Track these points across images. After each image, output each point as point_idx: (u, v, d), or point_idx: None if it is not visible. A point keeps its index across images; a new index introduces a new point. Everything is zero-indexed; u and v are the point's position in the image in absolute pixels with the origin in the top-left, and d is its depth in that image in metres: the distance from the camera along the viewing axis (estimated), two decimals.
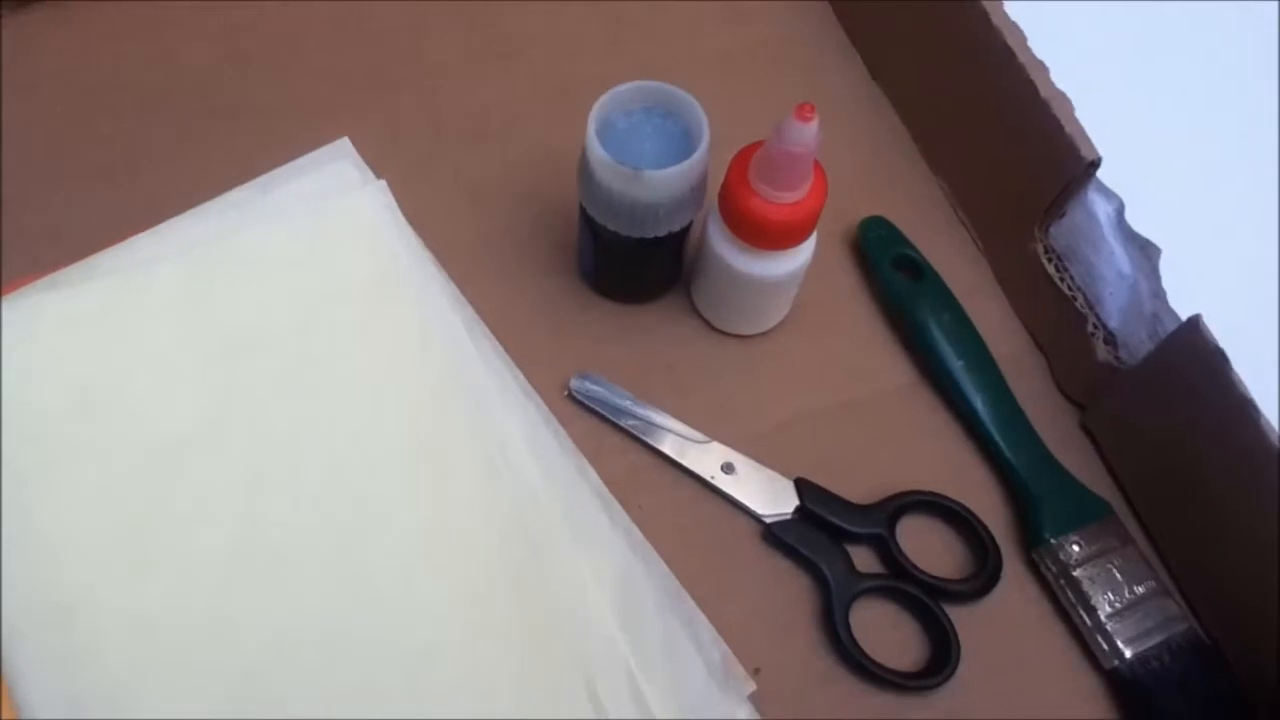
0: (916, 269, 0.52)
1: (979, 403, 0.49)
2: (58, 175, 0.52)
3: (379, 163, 0.52)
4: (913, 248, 0.52)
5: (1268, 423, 0.42)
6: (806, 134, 0.41)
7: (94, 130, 0.54)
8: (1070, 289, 0.50)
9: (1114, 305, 0.49)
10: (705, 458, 0.48)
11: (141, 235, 0.49)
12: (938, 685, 0.44)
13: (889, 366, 0.51)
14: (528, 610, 0.42)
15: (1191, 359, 0.44)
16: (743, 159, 0.45)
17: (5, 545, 0.41)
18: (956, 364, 0.50)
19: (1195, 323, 0.44)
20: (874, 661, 0.44)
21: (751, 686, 0.42)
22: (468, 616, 0.42)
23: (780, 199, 0.44)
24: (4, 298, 0.46)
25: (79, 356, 0.45)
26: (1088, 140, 0.47)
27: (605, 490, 0.45)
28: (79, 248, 0.49)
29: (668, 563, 0.45)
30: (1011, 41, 0.49)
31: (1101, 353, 0.49)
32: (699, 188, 0.45)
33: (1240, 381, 0.43)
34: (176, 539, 0.42)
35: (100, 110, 0.54)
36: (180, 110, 0.54)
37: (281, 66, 0.56)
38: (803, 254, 0.47)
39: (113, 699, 0.39)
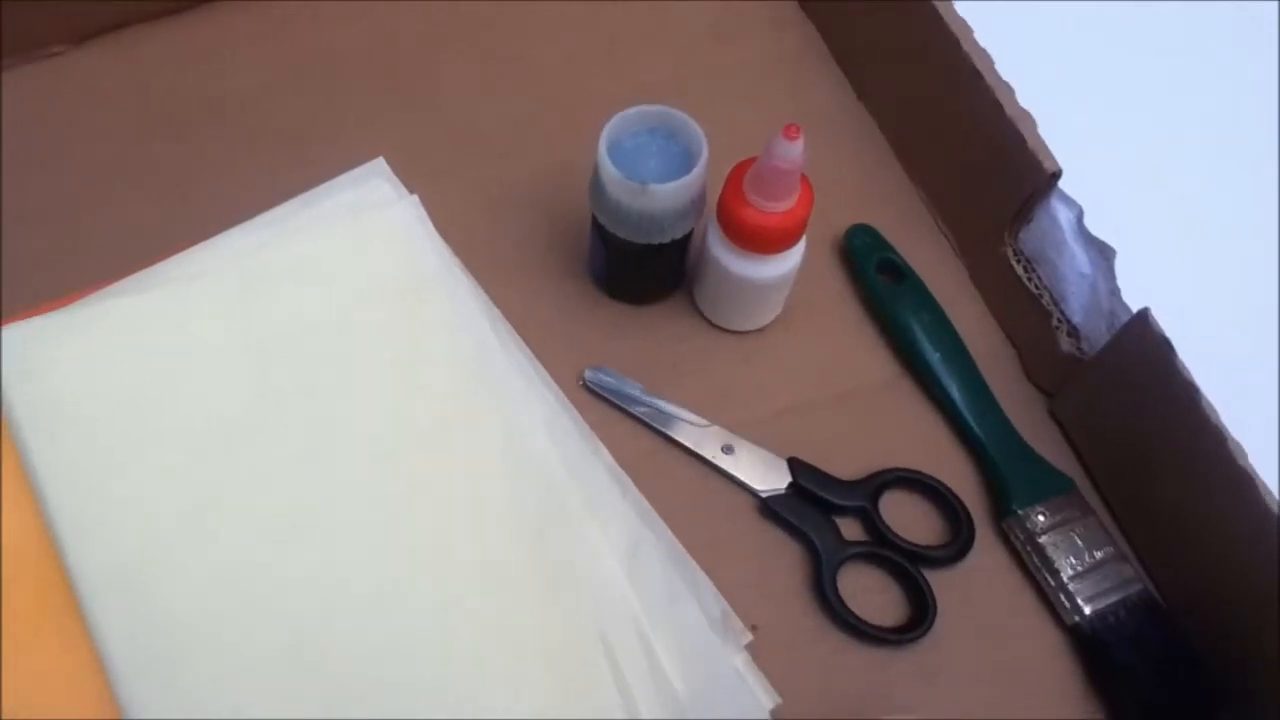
0: (899, 272, 0.57)
1: (955, 391, 0.54)
2: (116, 192, 0.58)
3: (404, 179, 0.57)
4: (895, 253, 0.58)
5: (1209, 404, 0.47)
6: (793, 151, 0.46)
7: (148, 152, 0.59)
8: (1037, 288, 0.55)
9: (1076, 302, 0.54)
10: (707, 440, 0.53)
11: (195, 248, 0.54)
12: (916, 639, 0.49)
13: (873, 361, 0.56)
14: (547, 570, 0.47)
15: (1142, 348, 0.49)
16: (737, 174, 0.50)
17: (83, 516, 0.46)
18: (934, 356, 0.55)
19: (1145, 315, 0.49)
20: (859, 619, 0.49)
21: (748, 637, 0.47)
22: (493, 576, 0.47)
23: (771, 209, 0.49)
24: (75, 303, 0.52)
25: (141, 353, 0.50)
26: (1049, 154, 0.52)
27: (617, 467, 0.51)
28: (136, 257, 0.54)
29: (674, 532, 0.50)
30: (980, 66, 0.54)
31: (1065, 345, 0.54)
32: (699, 199, 0.51)
33: (1184, 367, 0.48)
34: (230, 512, 0.48)
35: (153, 133, 0.59)
36: (225, 133, 0.60)
37: (315, 92, 0.61)
38: (793, 258, 0.52)
39: (176, 652, 0.45)
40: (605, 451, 0.51)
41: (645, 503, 0.50)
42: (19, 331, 0.50)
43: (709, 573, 0.49)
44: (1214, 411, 0.47)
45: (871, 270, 0.57)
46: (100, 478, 0.48)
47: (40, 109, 0.59)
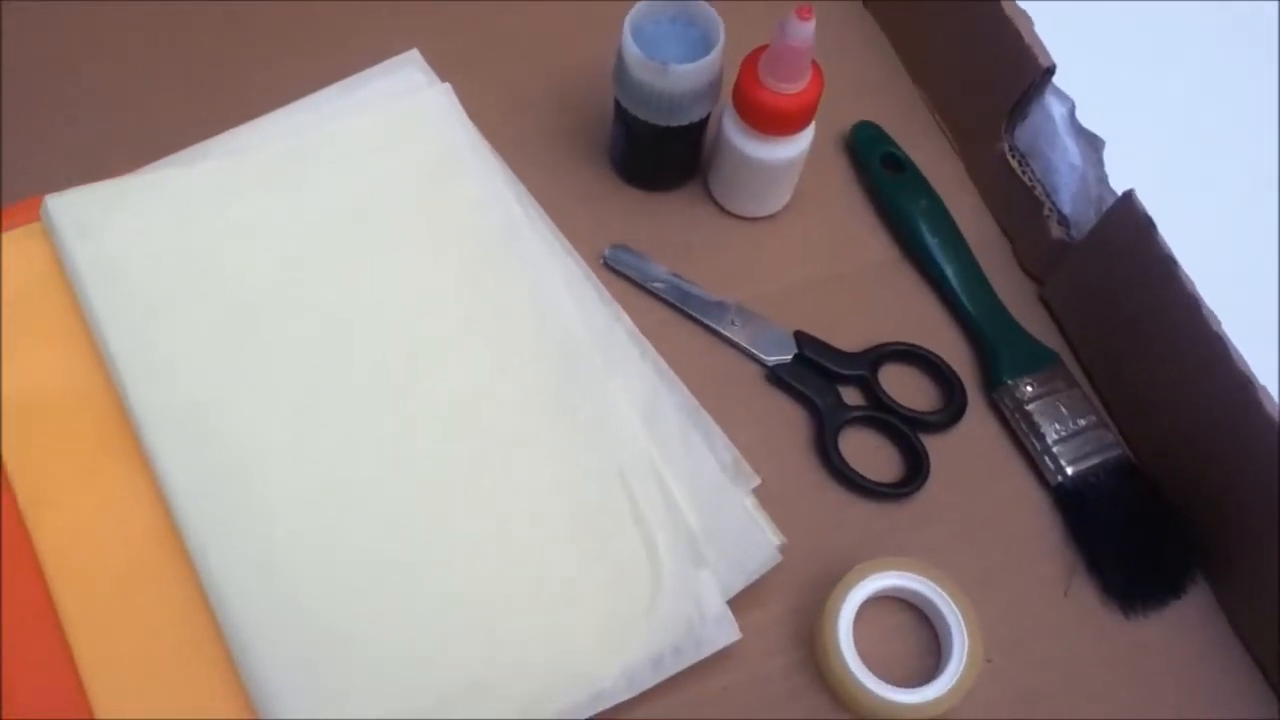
0: (900, 165, 0.61)
1: (950, 272, 0.58)
2: (168, 80, 0.61)
3: (435, 73, 0.60)
4: (897, 147, 0.61)
5: (1186, 275, 0.51)
6: (805, 31, 0.50)
7: (191, 44, 0.62)
8: (1031, 181, 0.59)
9: (1067, 193, 0.58)
10: (719, 314, 0.56)
11: (240, 127, 0.57)
12: (910, 494, 0.53)
13: (875, 245, 0.60)
14: (571, 420, 0.51)
15: (1127, 226, 0.52)
16: (752, 58, 0.53)
17: (140, 361, 0.50)
18: (932, 241, 0.58)
19: (1130, 196, 0.52)
20: (859, 475, 0.53)
21: (757, 480, 0.51)
22: (522, 425, 0.51)
23: (784, 89, 0.52)
24: (135, 173, 0.55)
25: (190, 218, 0.54)
26: (1044, 50, 0.56)
27: (636, 331, 0.54)
28: (187, 140, 0.57)
29: None
30: None
31: (1056, 232, 0.57)
32: (715, 83, 0.54)
33: (1165, 243, 0.51)
34: (275, 360, 0.51)
35: (197, 27, 0.63)
36: (266, 29, 0.63)
37: None
38: (803, 141, 0.56)
39: (232, 468, 0.49)
40: (625, 316, 0.55)
41: (662, 362, 0.54)
42: (74, 195, 0.53)
43: None
44: (1190, 282, 0.50)
45: (875, 163, 0.60)
46: (154, 328, 0.51)
47: (89, 6, 0.62)
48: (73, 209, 0.53)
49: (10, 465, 0.49)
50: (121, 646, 0.47)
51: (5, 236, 0.53)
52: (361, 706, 0.46)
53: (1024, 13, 0.57)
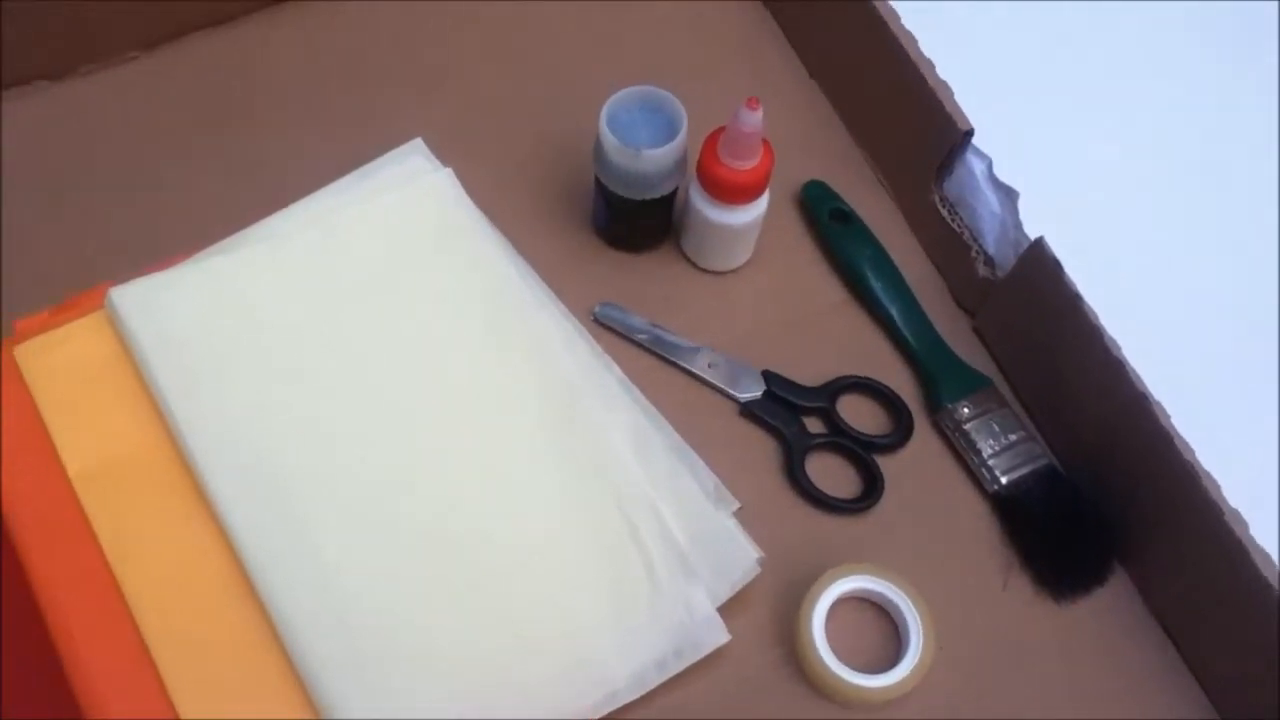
0: (847, 218, 0.69)
1: (894, 311, 0.66)
2: (188, 174, 0.69)
3: (434, 155, 0.68)
4: (844, 202, 0.70)
5: (1090, 309, 0.59)
6: (754, 119, 0.59)
7: (212, 140, 0.70)
8: (959, 227, 0.67)
9: (990, 237, 0.66)
10: (696, 358, 0.65)
11: (273, 216, 0.65)
12: (869, 508, 0.62)
13: (827, 291, 0.68)
14: (572, 456, 0.59)
15: (1039, 267, 0.61)
16: (712, 140, 0.62)
17: (204, 425, 0.58)
18: (877, 285, 0.67)
19: (1040, 241, 0.61)
20: (823, 493, 0.62)
21: (737, 504, 0.60)
22: (532, 461, 0.59)
23: (740, 166, 0.61)
24: (186, 260, 0.63)
25: (239, 299, 0.62)
26: (964, 115, 0.64)
27: (624, 378, 0.63)
28: (212, 226, 0.65)
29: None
30: (907, 46, 0.66)
31: (982, 271, 0.66)
32: (681, 161, 0.63)
33: (1071, 281, 0.60)
34: (319, 420, 0.59)
35: (218, 125, 0.70)
36: (277, 122, 0.70)
37: (352, 85, 0.72)
38: (759, 207, 0.64)
39: (288, 513, 0.57)
40: (615, 365, 0.63)
41: (649, 403, 0.62)
42: (134, 285, 0.61)
43: None
44: (1094, 314, 0.59)
45: (825, 217, 0.69)
46: (213, 396, 0.59)
47: (122, 105, 0.70)
48: (134, 296, 0.61)
49: (97, 527, 0.57)
50: (203, 674, 0.54)
51: (77, 324, 0.61)
52: (417, 710, 0.54)
53: (945, 84, 0.65)
